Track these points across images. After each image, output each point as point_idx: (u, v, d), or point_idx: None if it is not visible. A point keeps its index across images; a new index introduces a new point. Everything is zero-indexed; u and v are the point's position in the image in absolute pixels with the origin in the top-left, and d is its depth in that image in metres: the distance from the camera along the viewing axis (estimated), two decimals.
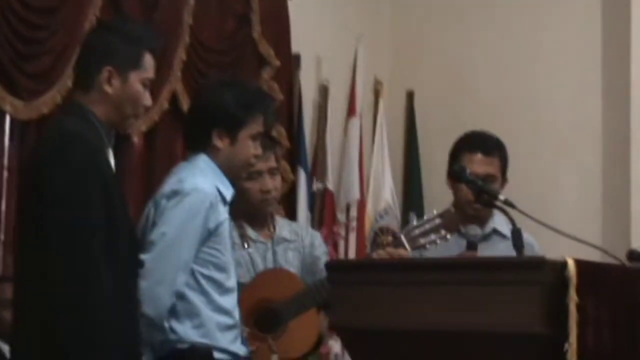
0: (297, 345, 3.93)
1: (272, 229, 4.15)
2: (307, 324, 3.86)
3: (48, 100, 4.65)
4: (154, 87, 4.98)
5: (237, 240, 4.06)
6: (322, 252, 4.19)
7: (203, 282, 3.44)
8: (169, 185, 3.49)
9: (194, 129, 3.63)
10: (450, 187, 3.97)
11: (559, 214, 6.02)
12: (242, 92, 3.61)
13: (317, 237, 4.28)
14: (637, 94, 5.94)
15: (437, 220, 3.71)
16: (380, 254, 3.80)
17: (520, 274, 2.82)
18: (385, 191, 6.46)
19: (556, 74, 6.26)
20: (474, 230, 3.84)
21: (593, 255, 5.58)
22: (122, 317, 2.98)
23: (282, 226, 4.18)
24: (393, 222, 6.45)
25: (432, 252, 3.85)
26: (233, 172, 3.59)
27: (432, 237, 3.72)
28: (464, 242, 3.84)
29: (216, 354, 3.43)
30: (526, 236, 3.75)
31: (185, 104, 5.25)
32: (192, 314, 3.42)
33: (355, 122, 6.32)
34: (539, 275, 2.79)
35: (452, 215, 3.78)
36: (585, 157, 6.11)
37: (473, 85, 6.52)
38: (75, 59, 3.34)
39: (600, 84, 6.14)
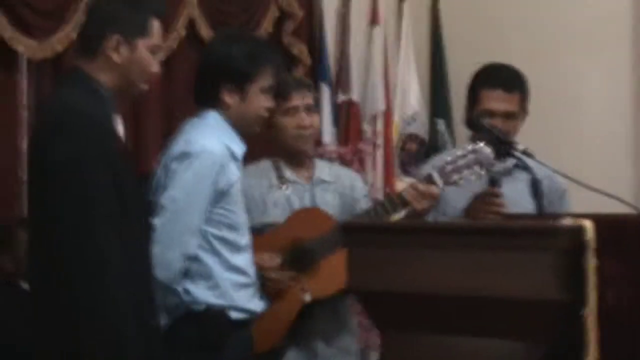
0: (328, 283, 3.90)
1: (310, 171, 4.09)
2: (339, 262, 3.80)
3: (62, 38, 4.59)
4: (171, 14, 4.95)
5: (275, 181, 4.01)
6: (362, 195, 4.13)
7: (215, 243, 3.41)
8: (178, 146, 3.44)
9: (203, 85, 3.56)
10: None
11: (586, 115, 5.95)
12: (249, 46, 3.53)
13: (358, 180, 4.21)
14: None
15: (471, 156, 3.63)
16: (410, 191, 3.73)
17: (536, 239, 2.76)
18: (411, 98, 6.38)
19: None
20: (497, 166, 3.76)
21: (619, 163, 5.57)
22: (137, 286, 2.96)
23: (322, 168, 4.12)
24: (421, 129, 6.39)
25: (456, 188, 3.79)
26: (245, 128, 3.54)
27: (465, 173, 3.64)
28: (486, 178, 3.77)
29: (233, 314, 3.42)
30: (545, 171, 3.69)
31: (203, 29, 5.17)
32: (206, 275, 3.40)
33: (379, 29, 6.20)
34: (555, 241, 2.73)
35: (485, 148, 3.69)
36: (613, 53, 5.95)
37: None
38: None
39: None
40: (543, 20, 6.13)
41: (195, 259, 3.38)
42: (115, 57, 3.05)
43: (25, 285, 4.45)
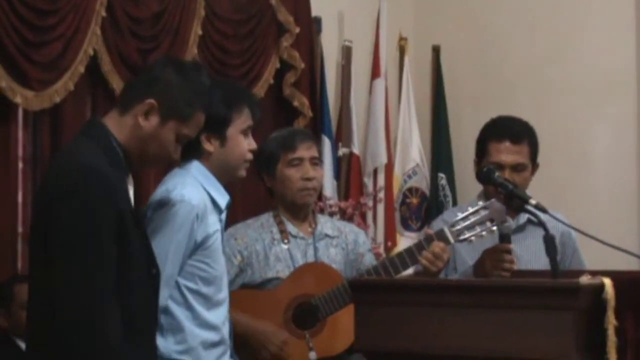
0: (335, 342, 3.81)
1: (313, 225, 4.01)
2: (346, 320, 3.70)
3: (60, 89, 4.50)
4: None
5: (277, 235, 3.94)
6: (366, 249, 4.05)
7: (189, 296, 3.29)
8: (156, 195, 3.33)
9: None
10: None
11: (593, 168, 5.88)
12: (222, 90, 3.43)
13: (361, 234, 4.14)
14: None
15: (483, 212, 3.55)
16: (425, 254, 3.64)
17: (554, 299, 2.67)
18: (413, 151, 6.30)
19: (586, 25, 6.03)
20: (509, 222, 3.67)
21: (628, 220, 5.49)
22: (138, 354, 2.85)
23: (325, 223, 4.05)
24: (422, 182, 6.31)
25: (466, 244, 3.70)
26: (230, 173, 3.44)
27: (478, 230, 3.56)
28: (496, 234, 3.68)
29: None
30: (560, 226, 3.59)
31: None
32: (176, 329, 3.27)
33: (380, 82, 6.13)
34: (574, 301, 2.64)
35: (497, 205, 3.61)
36: (619, 107, 5.89)
37: (501, 37, 6.30)
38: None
39: (634, 32, 5.90)
40: (547, 73, 6.08)
41: (165, 311, 3.25)
42: (142, 121, 2.90)
43: (20, 343, 4.35)
